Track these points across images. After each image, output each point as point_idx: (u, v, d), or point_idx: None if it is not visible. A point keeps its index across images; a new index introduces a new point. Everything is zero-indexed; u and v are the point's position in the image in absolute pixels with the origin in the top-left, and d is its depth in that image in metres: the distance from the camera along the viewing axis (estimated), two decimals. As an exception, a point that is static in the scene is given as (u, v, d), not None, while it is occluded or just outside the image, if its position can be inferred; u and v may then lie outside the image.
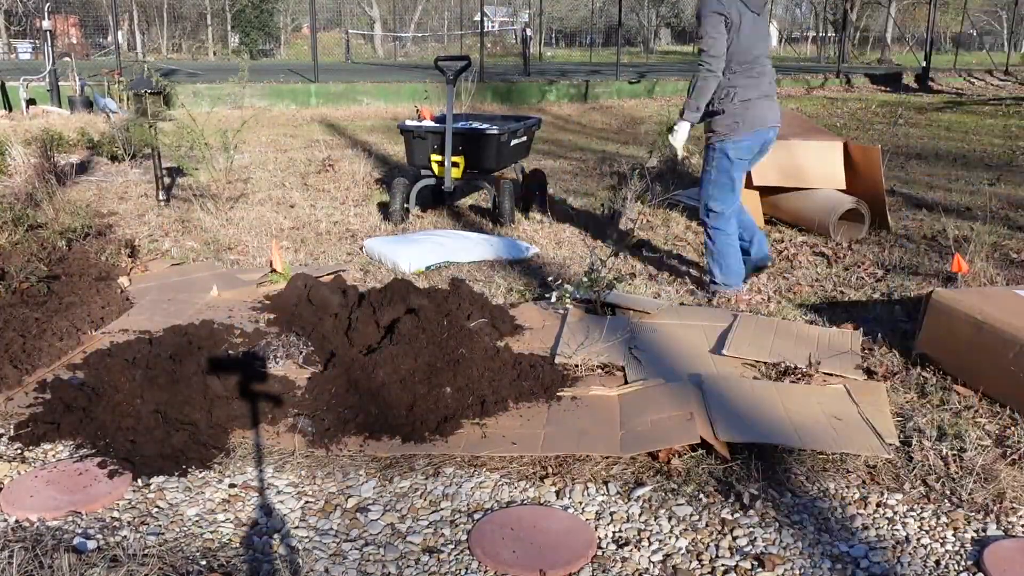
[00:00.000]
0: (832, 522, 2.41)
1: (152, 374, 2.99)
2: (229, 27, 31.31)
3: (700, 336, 3.69)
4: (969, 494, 2.52)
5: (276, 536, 2.34)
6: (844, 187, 5.59)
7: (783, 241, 5.41)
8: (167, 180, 6.67)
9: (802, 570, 2.20)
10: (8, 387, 3.16)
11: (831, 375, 3.29)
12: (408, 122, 6.00)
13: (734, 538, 2.33)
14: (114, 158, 7.94)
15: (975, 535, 2.35)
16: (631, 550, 2.28)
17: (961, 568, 2.21)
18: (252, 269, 4.76)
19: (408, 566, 2.22)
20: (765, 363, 3.41)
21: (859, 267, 4.85)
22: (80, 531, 2.32)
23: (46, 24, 11.77)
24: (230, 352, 3.42)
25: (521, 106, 14.40)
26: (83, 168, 7.57)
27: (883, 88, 18.83)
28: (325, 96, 13.99)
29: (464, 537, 2.34)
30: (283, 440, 2.86)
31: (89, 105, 11.36)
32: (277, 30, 32.86)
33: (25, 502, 2.42)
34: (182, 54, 28.62)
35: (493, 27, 37.92)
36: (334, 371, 3.14)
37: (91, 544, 2.25)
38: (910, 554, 2.26)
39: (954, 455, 2.71)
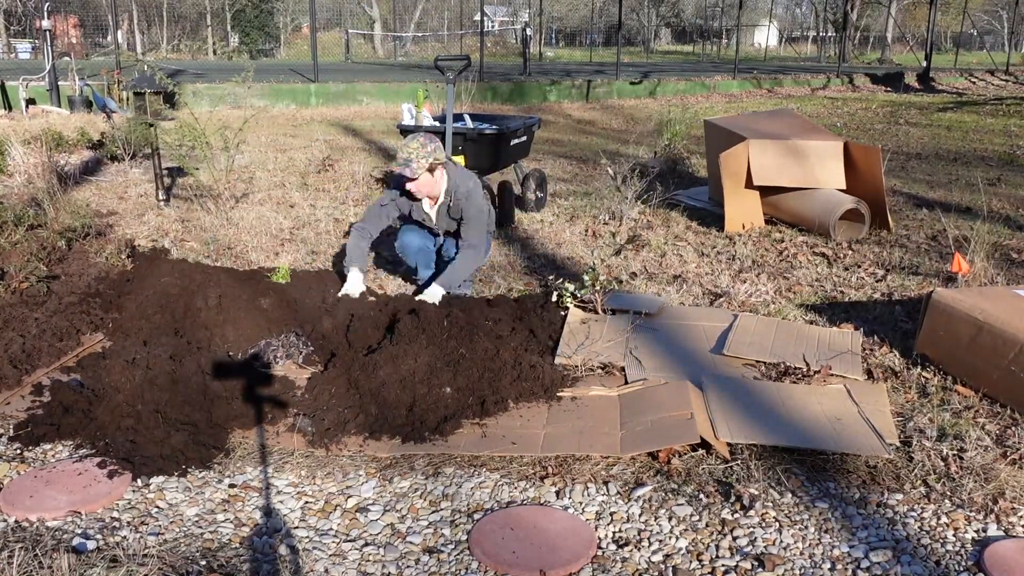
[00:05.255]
0: (832, 522, 2.40)
1: (152, 374, 2.98)
2: (229, 27, 31.31)
3: (700, 336, 3.69)
4: (969, 494, 2.51)
5: (276, 536, 2.34)
6: (844, 187, 5.58)
7: (783, 241, 5.41)
8: (167, 180, 6.67)
9: (802, 570, 2.20)
10: (8, 387, 3.15)
11: (831, 375, 3.28)
12: (407, 121, 5.99)
13: (734, 538, 2.33)
14: (114, 158, 7.94)
15: (975, 535, 2.35)
16: (631, 550, 2.28)
17: (961, 568, 2.21)
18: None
19: (408, 566, 2.22)
20: (765, 363, 3.41)
21: (859, 267, 4.84)
22: (80, 531, 2.31)
23: (46, 24, 11.75)
24: (230, 352, 3.42)
25: (522, 106, 14.40)
26: (83, 168, 7.57)
27: (884, 88, 18.84)
28: (325, 96, 13.99)
29: (464, 537, 2.34)
30: (283, 440, 2.86)
31: (89, 105, 11.35)
32: (277, 30, 32.83)
33: (25, 502, 2.42)
34: (182, 54, 28.60)
35: (493, 27, 37.91)
36: (334, 371, 3.13)
37: (91, 544, 2.25)
38: (910, 554, 2.26)
39: (954, 455, 2.71)
